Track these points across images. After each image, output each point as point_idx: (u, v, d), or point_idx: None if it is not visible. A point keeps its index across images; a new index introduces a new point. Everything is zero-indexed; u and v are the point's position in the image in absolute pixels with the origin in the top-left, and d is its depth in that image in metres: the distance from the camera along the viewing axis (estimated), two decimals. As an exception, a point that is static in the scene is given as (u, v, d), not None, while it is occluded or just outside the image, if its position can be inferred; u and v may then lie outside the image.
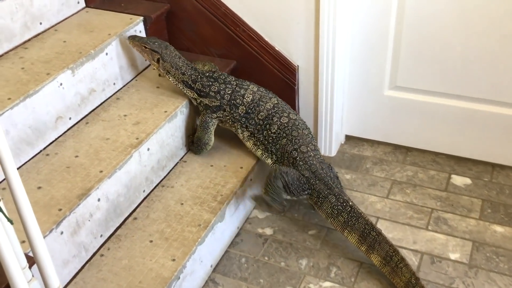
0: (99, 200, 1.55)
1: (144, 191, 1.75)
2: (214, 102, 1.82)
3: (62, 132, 1.74)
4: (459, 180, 2.02)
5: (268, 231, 1.87)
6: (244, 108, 1.82)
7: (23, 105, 1.58)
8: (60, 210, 1.44)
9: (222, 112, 1.84)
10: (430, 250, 1.74)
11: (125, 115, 1.82)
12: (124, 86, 1.98)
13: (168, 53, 1.86)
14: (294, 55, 2.05)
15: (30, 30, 1.87)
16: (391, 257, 1.57)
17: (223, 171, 1.87)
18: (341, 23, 1.92)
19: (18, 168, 1.58)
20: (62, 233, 1.42)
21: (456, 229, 1.82)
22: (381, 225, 1.85)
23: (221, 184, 1.81)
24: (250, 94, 1.83)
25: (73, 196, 1.49)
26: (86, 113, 1.83)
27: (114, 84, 1.93)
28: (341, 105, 2.16)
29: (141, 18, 2.02)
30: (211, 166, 1.90)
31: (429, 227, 1.83)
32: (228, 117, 1.84)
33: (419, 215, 1.88)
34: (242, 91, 1.83)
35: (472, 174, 2.04)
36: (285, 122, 1.79)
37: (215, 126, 1.88)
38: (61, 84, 1.70)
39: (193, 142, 1.92)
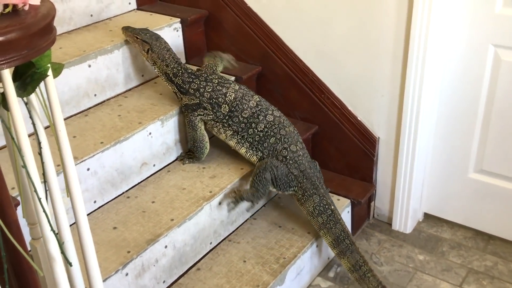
0: (166, 247, 1.63)
1: (211, 243, 1.81)
2: (193, 100, 1.83)
3: (145, 177, 1.87)
4: (543, 279, 1.86)
5: (328, 302, 1.83)
6: (227, 107, 1.81)
7: (113, 149, 1.73)
8: (128, 252, 1.53)
9: (202, 110, 1.83)
10: None
11: (203, 168, 1.91)
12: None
13: (158, 44, 1.89)
14: (376, 127, 2.05)
15: (132, 81, 2.06)
16: (360, 266, 1.74)
17: (290, 233, 1.89)
18: (426, 99, 1.90)
19: (100, 207, 1.73)
20: (127, 274, 1.51)
21: (533, 333, 1.66)
22: (449, 315, 1.74)
23: (286, 246, 1.83)
24: (232, 92, 1.82)
25: (143, 240, 1.58)
26: (170, 161, 1.96)
27: (199, 137, 2.05)
28: (421, 182, 2.10)
29: (233, 78, 2.14)
30: (279, 227, 1.92)
31: (503, 326, 1.69)
32: (210, 116, 1.84)
33: (493, 311, 1.75)
34: (224, 90, 1.83)
35: (561, 274, 1.88)
36: (271, 120, 1.81)
37: (203, 124, 1.87)
38: (150, 133, 1.84)
39: (190, 150, 1.91)
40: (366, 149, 2.08)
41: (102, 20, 2.19)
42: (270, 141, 1.80)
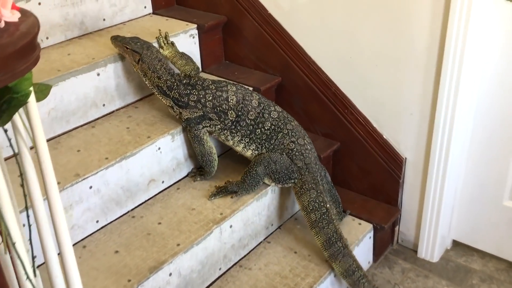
0: (170, 274, 1.50)
1: (220, 269, 1.69)
2: (196, 113, 1.72)
3: (153, 195, 1.75)
4: None
5: (346, 337, 1.69)
6: (234, 112, 1.72)
7: (119, 165, 1.62)
8: (129, 281, 1.42)
9: (208, 121, 1.73)
10: None
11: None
12: (222, 154, 1.97)
13: (149, 54, 1.74)
14: (403, 146, 1.90)
15: (143, 90, 1.94)
16: (354, 272, 1.66)
17: (306, 260, 1.75)
18: (460, 120, 1.74)
19: (102, 227, 1.62)
20: (126, 305, 1.40)
21: None
22: None
23: (301, 276, 1.69)
24: (232, 95, 1.73)
25: (145, 267, 1.46)
26: (180, 178, 1.84)
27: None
28: (450, 207, 1.94)
29: (251, 89, 2.01)
30: (295, 252, 1.79)
31: None
32: (218, 126, 1.73)
33: None
34: (224, 94, 1.72)
35: None
36: (276, 117, 1.74)
37: (207, 135, 1.76)
38: (159, 148, 1.72)
39: (201, 166, 1.80)
40: (392, 170, 1.93)
41: (115, 25, 2.09)
42: (278, 137, 1.73)
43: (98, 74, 1.79)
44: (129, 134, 1.74)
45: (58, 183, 1.49)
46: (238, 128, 1.74)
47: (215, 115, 1.73)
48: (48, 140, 1.70)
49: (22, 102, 0.76)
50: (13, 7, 0.75)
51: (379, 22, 1.76)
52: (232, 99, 1.73)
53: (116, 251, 1.52)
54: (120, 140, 1.70)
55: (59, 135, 1.73)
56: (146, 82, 1.79)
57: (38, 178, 0.89)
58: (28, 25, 0.74)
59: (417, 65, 1.74)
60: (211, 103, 1.73)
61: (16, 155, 0.87)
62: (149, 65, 1.75)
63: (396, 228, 2.04)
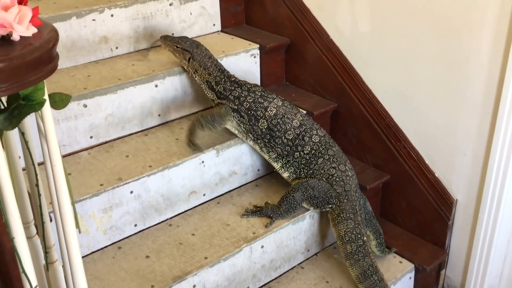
0: (194, 286, 1.54)
1: (248, 287, 1.70)
2: (232, 106, 1.74)
3: (193, 206, 1.81)
4: None
5: None
6: (266, 123, 1.71)
7: (161, 174, 1.69)
8: (152, 287, 1.47)
9: (238, 116, 1.74)
10: None
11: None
12: (268, 174, 1.98)
13: (199, 52, 1.81)
14: (455, 187, 1.80)
15: (199, 104, 2.02)
16: None
17: (336, 292, 1.71)
18: (517, 165, 1.63)
19: (140, 231, 1.69)
20: (145, 311, 1.45)
21: None
22: None
23: (328, 307, 1.66)
24: (274, 107, 1.72)
25: (170, 276, 1.51)
26: (222, 192, 1.87)
27: (258, 170, 1.95)
28: (502, 257, 1.80)
29: (304, 112, 2.01)
30: (327, 282, 1.75)
31: None
32: (245, 126, 1.74)
33: None
34: (266, 103, 1.72)
35: None
36: (317, 141, 1.71)
37: (230, 123, 1.76)
38: (202, 162, 1.78)
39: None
40: (441, 210, 1.84)
41: (183, 40, 2.19)
42: (318, 162, 1.71)
43: (156, 86, 1.88)
44: (176, 145, 1.81)
45: (101, 184, 1.60)
46: (273, 144, 1.74)
47: (246, 116, 1.74)
48: (103, 144, 1.82)
49: (31, 109, 0.83)
50: (35, 22, 0.83)
51: (438, 57, 1.70)
52: (271, 111, 1.73)
53: (147, 256, 1.59)
54: (167, 150, 1.77)
55: (113, 140, 1.84)
56: (196, 79, 1.86)
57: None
58: (44, 40, 0.82)
59: (473, 104, 1.65)
60: (248, 104, 1.74)
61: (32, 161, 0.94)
62: (200, 62, 1.83)
63: (443, 272, 1.93)
